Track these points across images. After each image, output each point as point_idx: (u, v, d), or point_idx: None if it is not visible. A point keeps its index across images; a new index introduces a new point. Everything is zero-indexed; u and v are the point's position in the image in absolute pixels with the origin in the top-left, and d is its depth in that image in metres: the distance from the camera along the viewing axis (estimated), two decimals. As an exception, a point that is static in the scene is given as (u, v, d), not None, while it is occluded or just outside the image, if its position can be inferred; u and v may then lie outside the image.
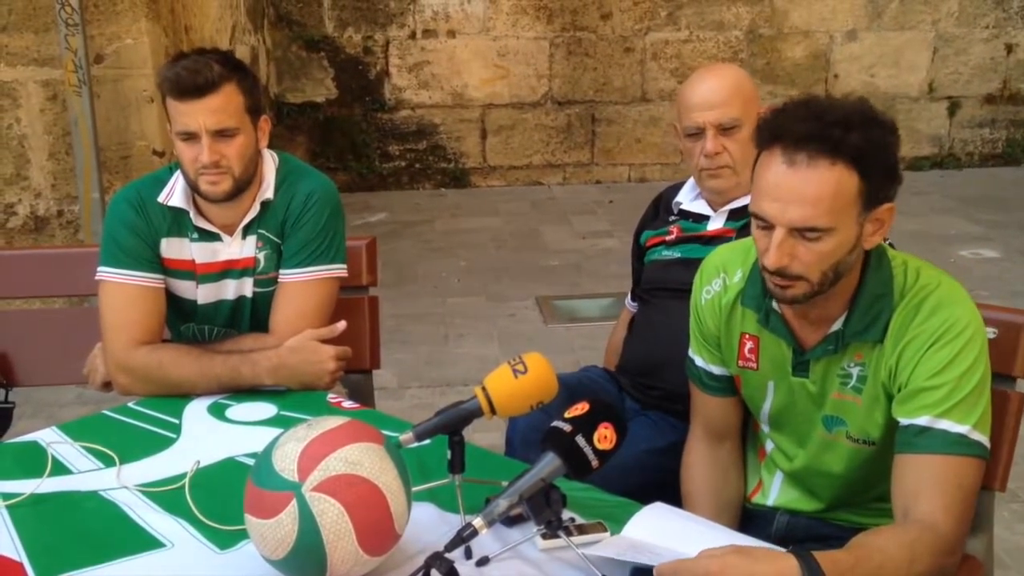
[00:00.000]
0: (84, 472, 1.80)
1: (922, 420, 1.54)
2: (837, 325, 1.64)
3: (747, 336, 1.76)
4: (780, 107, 1.59)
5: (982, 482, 1.59)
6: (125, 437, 1.93)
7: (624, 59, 7.19)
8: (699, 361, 1.86)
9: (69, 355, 2.35)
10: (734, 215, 2.22)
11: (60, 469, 1.80)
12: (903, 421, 1.57)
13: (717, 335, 1.81)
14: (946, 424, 1.53)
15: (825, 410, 1.70)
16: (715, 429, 1.88)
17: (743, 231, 2.14)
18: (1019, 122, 7.50)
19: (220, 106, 2.04)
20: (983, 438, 1.55)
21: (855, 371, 1.65)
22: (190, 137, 2.06)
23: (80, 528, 1.62)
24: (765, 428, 1.84)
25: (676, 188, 2.40)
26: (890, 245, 2.02)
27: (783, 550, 1.38)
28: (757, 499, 1.88)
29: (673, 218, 2.35)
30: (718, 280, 1.80)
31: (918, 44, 7.30)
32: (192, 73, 2.03)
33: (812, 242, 1.52)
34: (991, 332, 1.73)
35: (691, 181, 2.35)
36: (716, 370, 1.84)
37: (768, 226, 1.54)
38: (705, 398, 1.87)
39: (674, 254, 2.29)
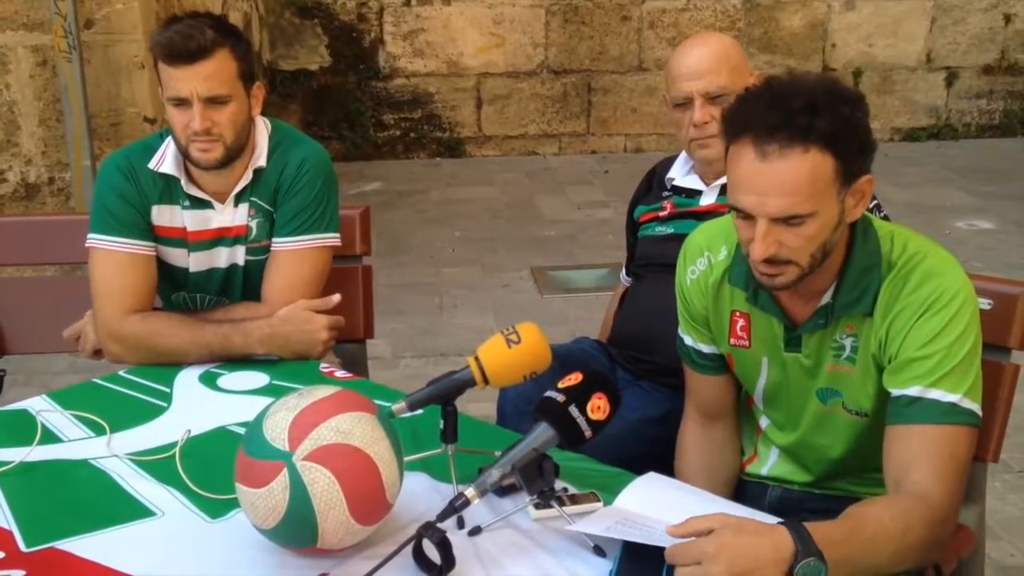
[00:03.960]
0: (74, 440, 1.79)
1: (913, 390, 1.54)
2: (826, 298, 1.63)
3: (738, 314, 1.75)
4: (743, 96, 1.57)
5: (975, 453, 1.58)
6: (116, 406, 1.92)
7: (621, 28, 7.13)
8: (688, 340, 1.85)
9: (61, 323, 2.33)
10: (726, 190, 2.21)
11: (50, 437, 1.79)
12: (894, 392, 1.56)
13: (705, 315, 1.80)
14: (937, 393, 1.52)
15: (819, 383, 1.69)
16: (708, 408, 1.87)
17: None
18: (1016, 93, 7.45)
19: (212, 72, 2.02)
20: (975, 406, 1.54)
21: (848, 342, 1.64)
22: (182, 103, 2.04)
23: (70, 497, 1.62)
24: (759, 405, 1.83)
25: (669, 162, 2.39)
26: (884, 217, 2.01)
27: (773, 520, 1.38)
28: (752, 468, 1.88)
29: (666, 193, 2.34)
30: (703, 259, 1.79)
31: (916, 14, 7.25)
32: (185, 38, 2.00)
33: (796, 227, 1.51)
34: (986, 303, 1.73)
35: (683, 155, 2.34)
36: (706, 349, 1.83)
37: (749, 216, 1.53)
38: (697, 377, 1.86)
39: (667, 229, 2.28)
